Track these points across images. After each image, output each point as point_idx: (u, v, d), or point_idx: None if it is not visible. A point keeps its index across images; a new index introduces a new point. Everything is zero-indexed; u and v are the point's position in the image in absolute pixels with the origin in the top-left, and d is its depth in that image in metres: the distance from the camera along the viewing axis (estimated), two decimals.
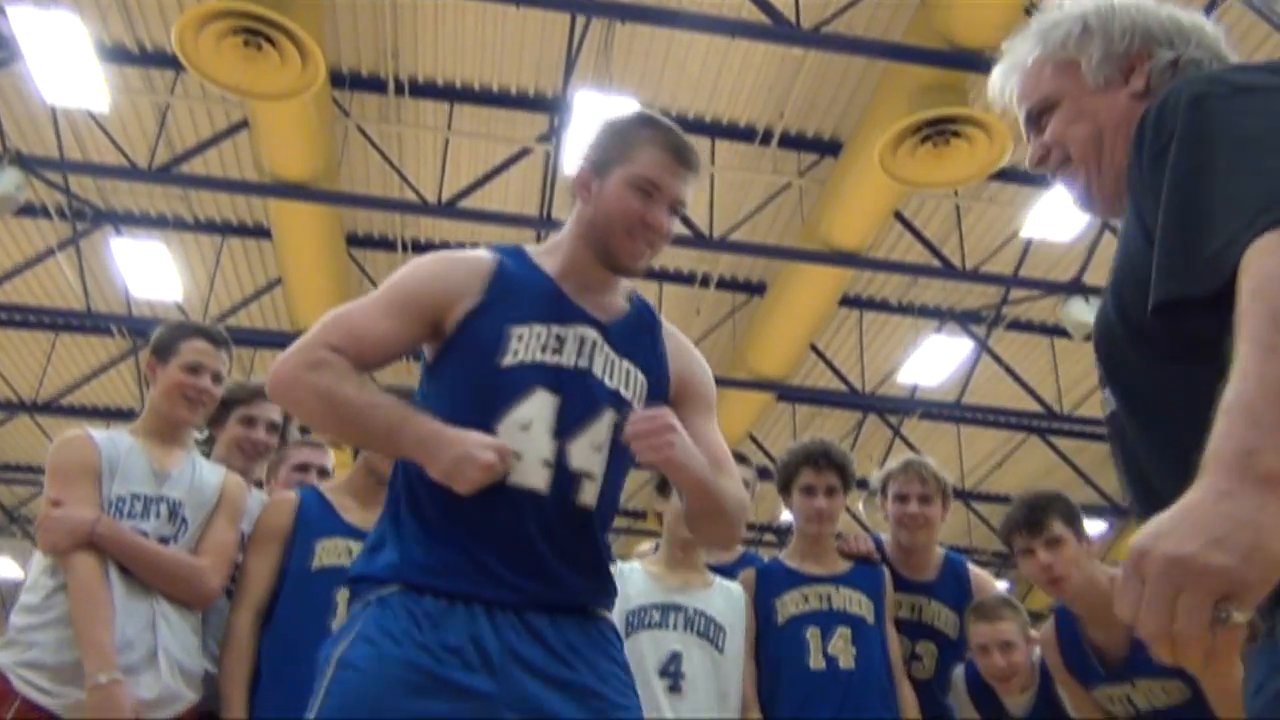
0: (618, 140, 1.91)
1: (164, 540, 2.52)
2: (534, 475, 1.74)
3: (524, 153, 8.49)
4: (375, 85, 8.33)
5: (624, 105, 7.19)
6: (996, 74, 1.51)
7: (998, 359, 10.58)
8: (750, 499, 2.11)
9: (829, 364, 10.91)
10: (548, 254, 1.95)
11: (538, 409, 1.76)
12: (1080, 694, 2.90)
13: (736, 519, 1.90)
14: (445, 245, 9.94)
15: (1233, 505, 0.84)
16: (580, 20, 7.32)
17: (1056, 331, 10.47)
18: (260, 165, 8.15)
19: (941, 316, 10.56)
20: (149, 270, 9.41)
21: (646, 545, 4.24)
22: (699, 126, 8.67)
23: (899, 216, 9.03)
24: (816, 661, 2.95)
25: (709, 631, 2.87)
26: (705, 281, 10.52)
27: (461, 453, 1.65)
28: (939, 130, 7.01)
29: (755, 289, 10.55)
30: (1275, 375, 0.86)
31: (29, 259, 9.91)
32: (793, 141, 8.84)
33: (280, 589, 2.66)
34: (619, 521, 13.69)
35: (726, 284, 10.62)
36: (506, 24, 7.73)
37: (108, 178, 8.82)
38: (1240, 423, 0.86)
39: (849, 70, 7.97)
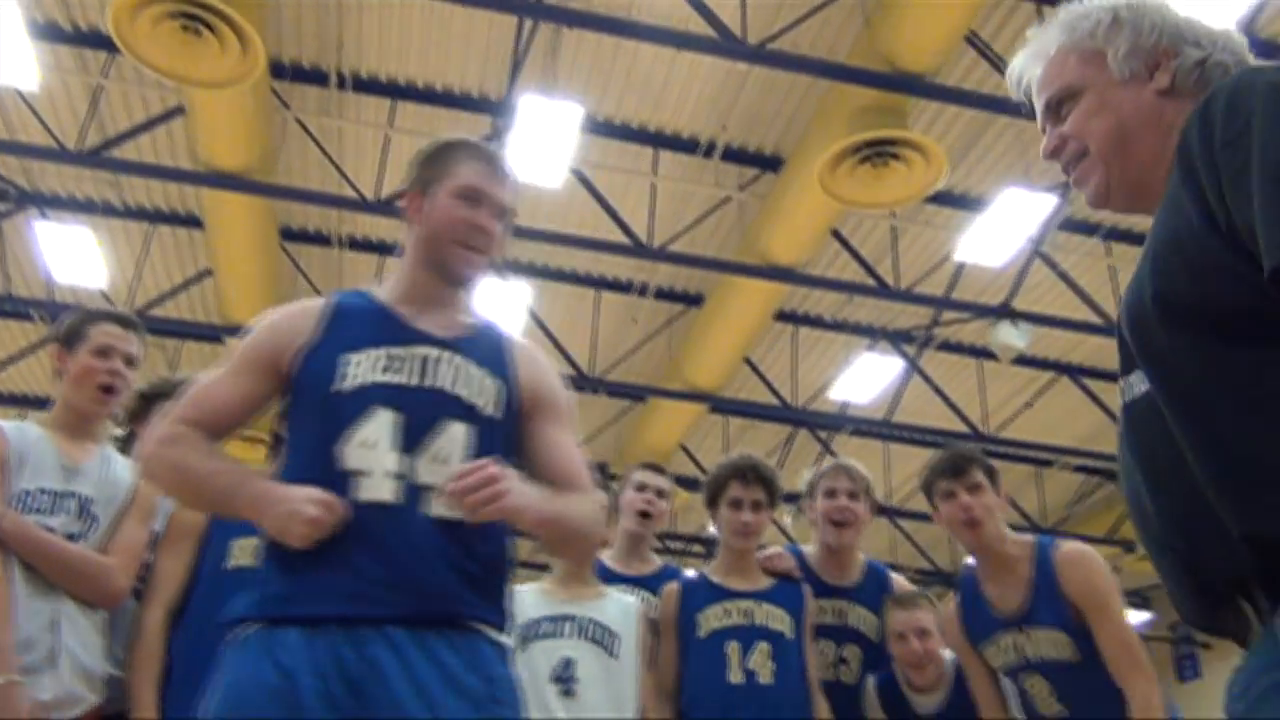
0: (437, 160, 2.04)
1: (72, 537, 2.45)
2: (382, 489, 1.79)
3: None
4: (317, 78, 8.22)
5: (568, 110, 7.18)
6: (1016, 62, 1.49)
7: (927, 379, 10.76)
8: (604, 508, 2.15)
9: (762, 378, 10.99)
10: (388, 286, 2.06)
11: (379, 426, 1.82)
12: (977, 666, 3.04)
13: (591, 535, 1.98)
14: (381, 243, 9.86)
15: None
16: (528, 24, 7.29)
17: (984, 354, 10.67)
18: (195, 153, 7.99)
19: (874, 335, 10.71)
20: (73, 255, 9.14)
21: None
22: (643, 136, 8.70)
23: (836, 235, 9.14)
24: (735, 675, 3.00)
25: (601, 638, 2.94)
26: (643, 290, 10.54)
27: (288, 509, 1.72)
28: (878, 151, 7.11)
29: (692, 300, 10.59)
30: None
31: None
32: (735, 155, 8.90)
33: (193, 588, 2.62)
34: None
35: (664, 294, 10.66)
36: (453, 23, 7.68)
37: (34, 159, 8.55)
38: None
39: (793, 88, 8.05)
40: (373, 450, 1.81)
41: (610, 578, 3.31)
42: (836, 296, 10.06)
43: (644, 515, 3.40)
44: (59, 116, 8.21)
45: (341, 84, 8.22)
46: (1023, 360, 10.18)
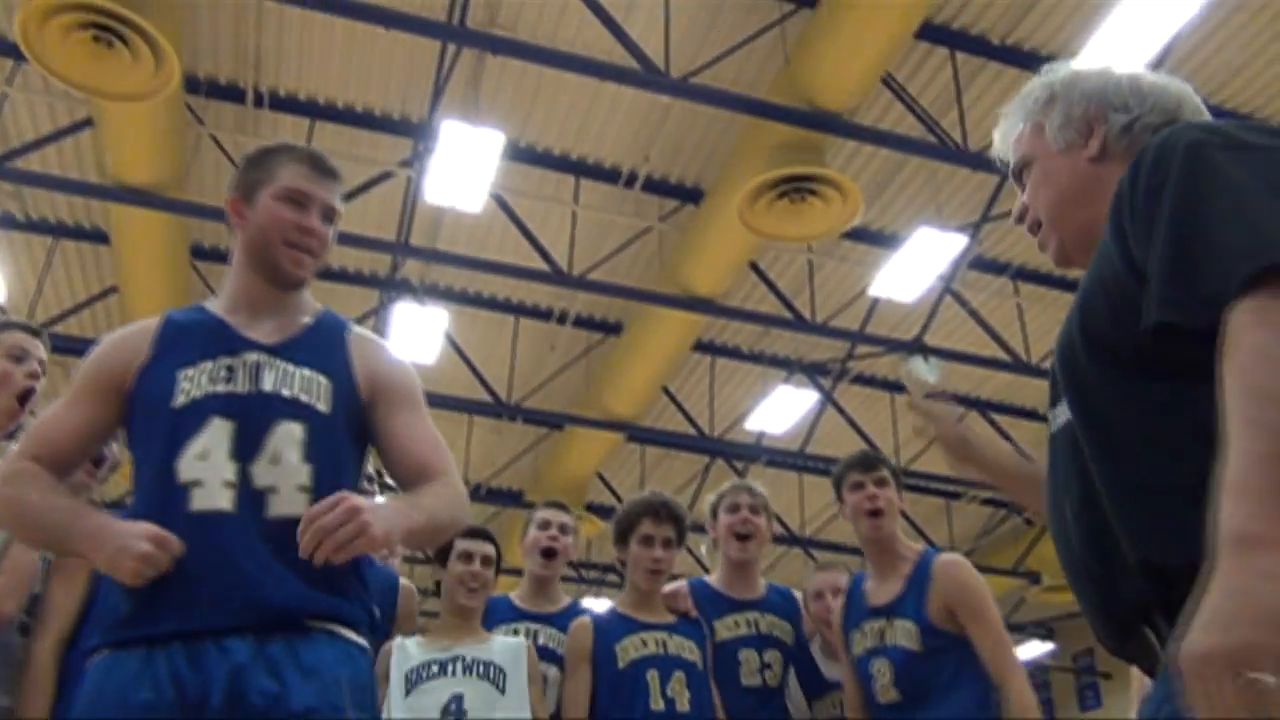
0: (259, 165, 2.04)
1: None
2: (218, 498, 1.78)
3: (385, 175, 8.34)
4: (234, 94, 8.07)
5: (490, 137, 7.16)
6: (996, 133, 1.60)
7: (841, 411, 10.92)
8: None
9: (680, 407, 11.04)
10: (222, 297, 2.05)
11: (213, 437, 1.82)
12: (847, 657, 3.20)
13: (457, 523, 2.00)
14: None
15: (1239, 580, 0.88)
16: (451, 49, 7.27)
17: (897, 387, 10.87)
18: (103, 167, 7.77)
19: (790, 367, 10.85)
20: None
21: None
22: (564, 164, 8.72)
23: (754, 267, 9.25)
24: (656, 703, 3.04)
25: (489, 674, 2.96)
26: (562, 318, 10.53)
27: (119, 545, 1.70)
28: (796, 187, 7.23)
29: (611, 329, 10.61)
30: (1258, 450, 0.93)
31: None
32: (655, 186, 8.97)
33: (85, 617, 2.53)
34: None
35: (583, 322, 10.66)
36: (376, 44, 7.61)
37: None
38: (1234, 500, 0.92)
39: (714, 121, 8.15)
40: (207, 461, 1.80)
41: (518, 616, 3.30)
42: (754, 328, 10.18)
43: (548, 554, 3.40)
44: None
45: (259, 101, 8.08)
46: (933, 394, 10.38)
